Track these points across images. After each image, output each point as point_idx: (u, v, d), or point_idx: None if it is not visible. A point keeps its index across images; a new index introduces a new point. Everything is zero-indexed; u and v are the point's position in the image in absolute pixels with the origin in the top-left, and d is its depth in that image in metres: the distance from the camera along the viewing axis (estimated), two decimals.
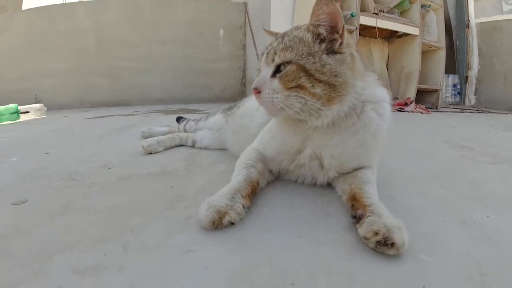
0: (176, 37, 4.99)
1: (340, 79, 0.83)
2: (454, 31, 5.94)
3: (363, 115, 0.89)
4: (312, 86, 0.82)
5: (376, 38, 4.71)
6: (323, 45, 0.85)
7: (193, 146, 1.67)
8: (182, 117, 2.11)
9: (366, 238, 0.65)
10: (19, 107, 3.21)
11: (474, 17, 5.66)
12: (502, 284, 0.57)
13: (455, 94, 5.86)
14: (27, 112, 3.36)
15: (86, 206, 0.88)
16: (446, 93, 5.76)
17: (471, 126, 2.93)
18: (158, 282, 0.55)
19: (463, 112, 4.45)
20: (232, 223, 0.73)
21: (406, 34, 4.53)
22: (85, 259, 0.61)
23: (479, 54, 5.68)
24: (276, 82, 0.85)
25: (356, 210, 0.75)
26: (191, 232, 0.72)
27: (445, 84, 5.44)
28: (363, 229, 0.67)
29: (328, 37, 0.85)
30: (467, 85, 5.79)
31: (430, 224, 0.79)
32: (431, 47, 4.70)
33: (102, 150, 1.57)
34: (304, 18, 1.00)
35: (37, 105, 3.56)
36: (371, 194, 0.80)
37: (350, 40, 0.90)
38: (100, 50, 4.65)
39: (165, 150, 1.57)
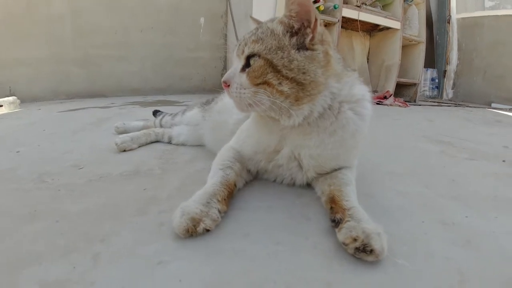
0: (155, 24, 4.78)
1: (309, 77, 0.79)
2: (435, 26, 6.05)
3: (340, 115, 0.86)
4: (279, 83, 0.78)
5: (358, 31, 4.72)
6: (294, 39, 0.80)
7: (169, 142, 1.60)
8: (159, 111, 2.02)
9: (345, 244, 0.63)
10: None
11: (456, 13, 5.76)
12: None
13: (433, 88, 6.02)
14: (1, 106, 3.17)
15: (55, 212, 0.82)
16: (424, 87, 5.90)
17: (449, 120, 3.00)
18: None
19: (441, 105, 4.57)
20: (208, 230, 0.69)
21: (388, 28, 4.56)
22: (54, 273, 0.57)
23: (459, 49, 5.81)
24: (244, 77, 0.82)
25: (335, 214, 0.73)
26: (164, 240, 0.68)
27: (423, 78, 5.55)
28: (342, 234, 0.65)
29: (301, 31, 0.81)
30: (445, 79, 5.96)
31: (410, 225, 0.78)
32: (412, 41, 4.77)
33: (75, 147, 1.49)
34: None
35: (11, 98, 3.32)
36: (350, 197, 0.79)
37: (328, 37, 0.85)
38: (76, 37, 4.39)
39: (139, 147, 1.50)
